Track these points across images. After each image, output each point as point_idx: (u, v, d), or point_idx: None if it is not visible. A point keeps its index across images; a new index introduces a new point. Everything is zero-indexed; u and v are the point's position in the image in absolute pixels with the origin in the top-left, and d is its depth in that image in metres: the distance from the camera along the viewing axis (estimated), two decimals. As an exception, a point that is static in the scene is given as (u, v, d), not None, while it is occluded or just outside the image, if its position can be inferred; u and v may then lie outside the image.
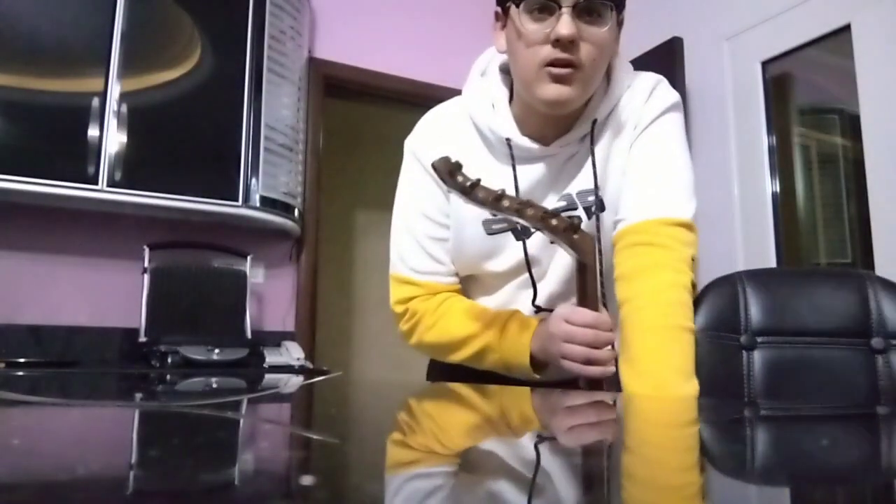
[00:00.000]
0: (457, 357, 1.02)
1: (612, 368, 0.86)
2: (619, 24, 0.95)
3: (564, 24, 0.87)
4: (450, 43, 3.26)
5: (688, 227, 0.95)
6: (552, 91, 0.90)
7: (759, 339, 0.93)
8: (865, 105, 2.32)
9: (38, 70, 2.15)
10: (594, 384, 0.88)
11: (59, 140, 2.15)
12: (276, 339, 2.56)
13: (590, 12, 0.89)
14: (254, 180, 2.42)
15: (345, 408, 0.69)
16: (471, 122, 1.03)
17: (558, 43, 0.88)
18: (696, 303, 0.96)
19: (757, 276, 0.98)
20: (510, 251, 1.01)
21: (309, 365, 2.48)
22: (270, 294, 2.77)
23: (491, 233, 1.01)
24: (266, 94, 2.49)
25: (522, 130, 0.99)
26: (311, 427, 0.53)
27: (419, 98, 3.20)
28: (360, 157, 4.20)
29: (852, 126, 2.41)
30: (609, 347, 0.87)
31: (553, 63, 0.89)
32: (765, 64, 2.70)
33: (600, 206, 0.98)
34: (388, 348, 4.10)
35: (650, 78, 1.02)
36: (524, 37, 0.91)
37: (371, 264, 4.16)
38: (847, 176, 2.52)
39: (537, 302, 0.99)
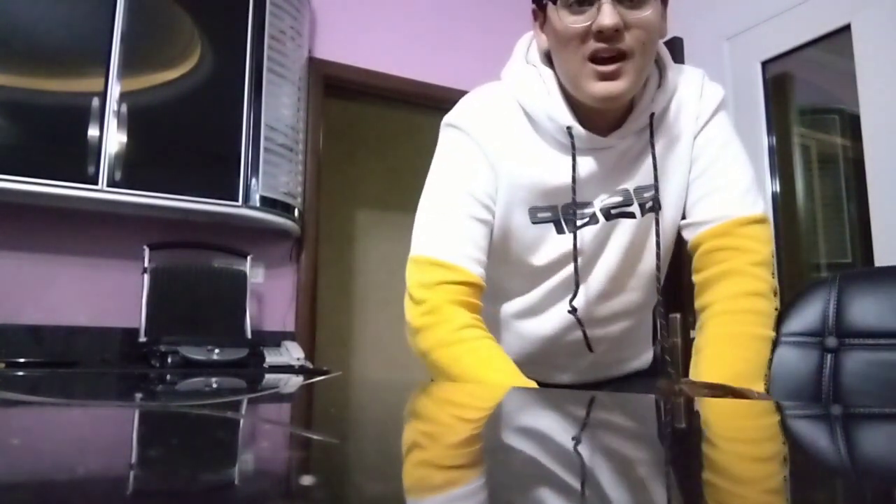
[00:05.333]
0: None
1: None
2: (664, 1, 0.90)
3: (606, 14, 0.82)
4: (450, 43, 3.26)
5: (763, 221, 0.95)
6: (600, 88, 0.86)
7: (847, 342, 0.90)
8: (865, 105, 2.32)
9: (38, 70, 2.15)
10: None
11: (59, 140, 2.15)
12: (276, 339, 2.56)
13: None
14: (254, 180, 2.42)
15: (345, 408, 0.69)
16: (517, 107, 0.97)
17: (601, 35, 0.83)
18: (788, 307, 0.95)
19: (849, 278, 0.95)
20: (553, 244, 0.98)
21: (309, 365, 2.48)
22: (270, 294, 2.77)
23: (536, 221, 0.97)
24: (266, 94, 2.49)
25: (577, 120, 0.94)
26: (311, 427, 0.53)
27: (419, 98, 3.20)
28: (360, 157, 4.20)
29: (852, 126, 2.41)
30: None
31: (598, 56, 0.85)
32: (765, 64, 2.70)
33: (658, 204, 0.95)
34: (388, 348, 4.10)
35: (695, 71, 1.01)
36: (565, 33, 0.86)
37: (371, 264, 4.16)
38: (847, 176, 2.52)
39: (576, 302, 0.96)
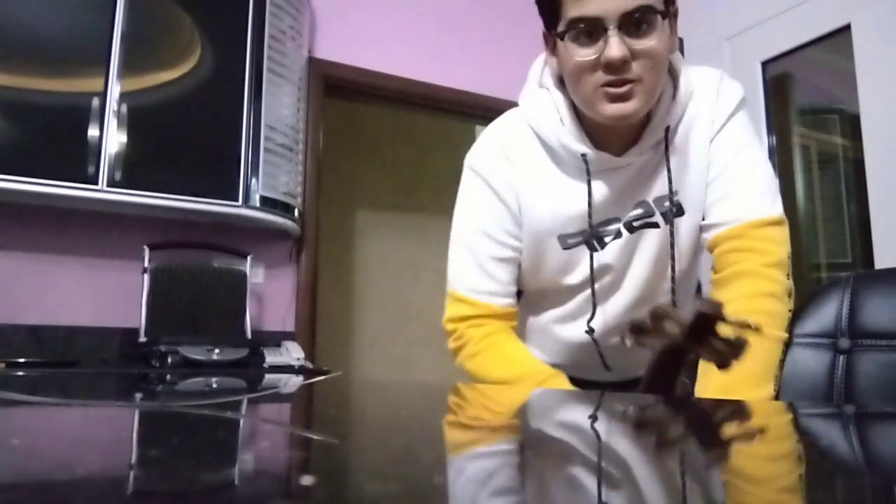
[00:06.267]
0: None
1: None
2: (674, 15, 0.91)
3: (613, 47, 0.84)
4: (450, 43, 3.26)
5: (780, 223, 0.97)
6: (613, 109, 0.89)
7: (860, 343, 0.89)
8: (865, 105, 2.32)
9: (38, 70, 2.15)
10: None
11: (59, 140, 2.15)
12: (276, 339, 2.56)
13: (637, 25, 0.85)
14: (254, 180, 2.42)
15: (345, 408, 0.69)
16: (534, 136, 1.00)
17: (610, 66, 0.86)
18: (801, 308, 0.95)
19: (863, 280, 0.94)
20: (587, 262, 1.00)
21: (309, 365, 2.48)
22: (270, 294, 2.77)
23: (567, 247, 1.00)
24: (266, 94, 2.49)
25: (592, 142, 0.97)
26: (311, 427, 0.53)
27: (419, 98, 3.20)
28: (360, 157, 4.20)
29: (852, 126, 2.41)
30: None
31: (609, 84, 0.88)
32: (765, 64, 2.70)
33: (679, 210, 0.97)
34: (388, 348, 4.10)
35: (712, 73, 1.01)
36: (575, 65, 0.89)
37: (371, 264, 4.16)
38: (847, 176, 2.52)
39: (595, 322, 1.00)
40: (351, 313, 4.07)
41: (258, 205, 2.43)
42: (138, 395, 0.82)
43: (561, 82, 0.99)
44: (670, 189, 0.96)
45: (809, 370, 0.91)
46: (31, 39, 2.15)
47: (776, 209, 0.97)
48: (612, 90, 0.88)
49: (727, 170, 0.98)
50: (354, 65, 3.03)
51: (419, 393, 0.88)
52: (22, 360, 2.08)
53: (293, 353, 2.40)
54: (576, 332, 1.07)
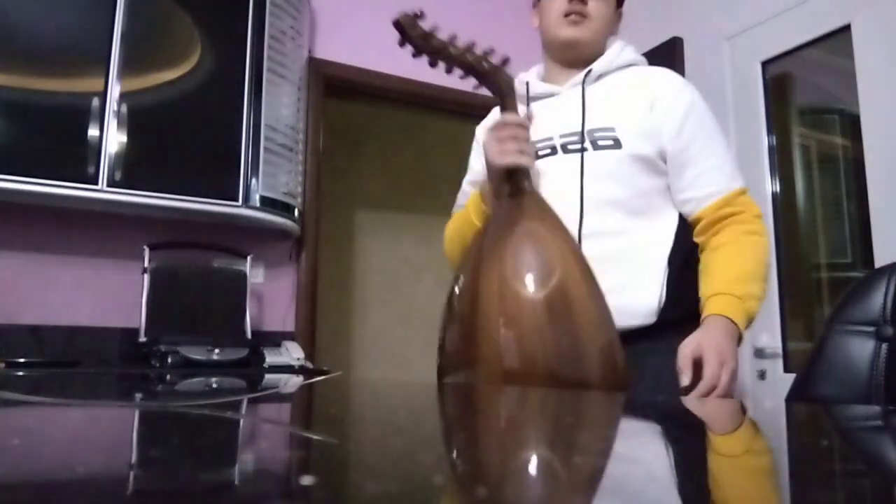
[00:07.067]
0: (454, 243, 1.33)
1: (528, 159, 1.14)
2: (620, 4, 1.32)
3: None
4: (450, 43, 3.26)
5: (747, 191, 1.23)
6: (568, 32, 1.26)
7: None
8: (865, 105, 2.32)
9: (38, 70, 2.15)
10: None
11: (59, 140, 2.15)
12: (276, 339, 2.56)
13: None
14: (254, 180, 2.42)
15: (345, 408, 0.69)
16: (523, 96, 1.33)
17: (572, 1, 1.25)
18: (846, 295, 0.97)
19: None
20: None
21: (309, 365, 2.48)
22: (270, 294, 2.77)
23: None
24: (266, 94, 2.49)
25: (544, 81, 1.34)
26: (311, 427, 0.53)
27: (419, 98, 3.20)
28: (360, 157, 4.20)
29: (852, 126, 2.41)
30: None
31: (569, 13, 1.25)
32: (765, 64, 2.70)
33: (616, 143, 1.21)
34: (388, 348, 4.10)
35: (662, 69, 1.30)
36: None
37: (371, 264, 4.16)
38: (847, 176, 2.51)
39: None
40: (351, 313, 4.07)
41: (258, 205, 2.43)
42: (138, 395, 0.82)
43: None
44: (583, 119, 1.24)
45: (851, 358, 0.90)
46: (31, 39, 2.15)
47: (743, 181, 1.23)
48: (571, 17, 1.25)
49: (703, 152, 1.22)
50: (354, 65, 3.03)
51: (419, 393, 0.88)
52: (22, 360, 2.08)
53: (293, 353, 2.40)
54: None
